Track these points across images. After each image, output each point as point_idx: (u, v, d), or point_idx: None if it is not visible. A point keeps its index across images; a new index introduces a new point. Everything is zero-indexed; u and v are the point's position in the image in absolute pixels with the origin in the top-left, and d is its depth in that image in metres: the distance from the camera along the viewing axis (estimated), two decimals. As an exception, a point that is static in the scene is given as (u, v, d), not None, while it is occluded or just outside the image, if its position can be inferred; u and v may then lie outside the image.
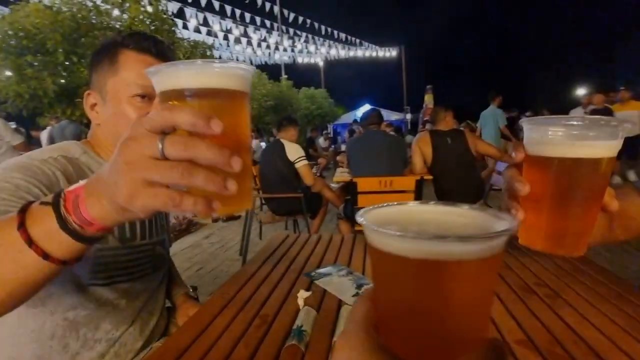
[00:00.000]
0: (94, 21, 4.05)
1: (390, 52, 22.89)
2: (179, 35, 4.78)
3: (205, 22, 12.81)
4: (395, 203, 0.30)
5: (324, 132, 15.27)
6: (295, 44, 18.13)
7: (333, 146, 11.98)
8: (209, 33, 13.13)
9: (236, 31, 14.58)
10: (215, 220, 4.95)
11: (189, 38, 5.20)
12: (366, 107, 22.25)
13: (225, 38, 14.46)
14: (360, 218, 0.26)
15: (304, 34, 17.83)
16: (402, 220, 0.29)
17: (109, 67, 0.76)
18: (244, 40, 15.28)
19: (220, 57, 15.08)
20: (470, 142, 2.90)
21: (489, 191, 3.02)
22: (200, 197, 0.33)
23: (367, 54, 22.39)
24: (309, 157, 4.70)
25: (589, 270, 0.78)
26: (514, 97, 5.97)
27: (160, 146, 0.31)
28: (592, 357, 0.49)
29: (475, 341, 0.24)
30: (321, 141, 11.85)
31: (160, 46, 0.79)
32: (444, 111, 3.05)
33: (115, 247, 0.79)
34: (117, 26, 4.09)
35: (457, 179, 2.90)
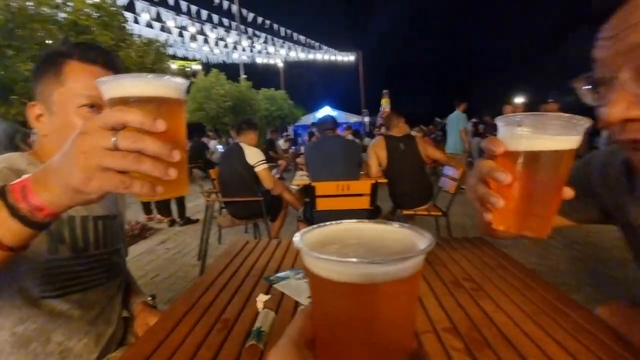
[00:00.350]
0: (31, 12, 3.72)
1: (349, 57, 23.46)
2: (130, 31, 4.53)
3: (159, 18, 12.20)
4: (334, 222, 0.32)
5: (284, 133, 15.24)
6: (255, 44, 17.88)
7: (293, 148, 12.00)
8: (162, 29, 12.52)
9: (192, 28, 14.07)
10: (171, 225, 4.77)
11: (140, 34, 4.94)
12: (326, 109, 22.56)
13: (180, 35, 13.88)
14: (296, 238, 0.27)
15: (263, 35, 17.67)
16: (340, 240, 0.30)
17: (55, 78, 0.76)
18: (200, 38, 14.77)
19: (175, 55, 14.44)
20: (421, 147, 3.12)
21: (438, 193, 3.26)
22: (146, 182, 0.40)
23: (326, 57, 22.74)
24: (269, 158, 4.69)
25: (508, 265, 0.92)
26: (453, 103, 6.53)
27: (113, 139, 0.38)
28: (501, 338, 0.61)
29: (401, 352, 0.26)
30: (281, 143, 11.81)
31: (107, 56, 0.80)
32: (396, 118, 3.24)
33: (67, 257, 0.78)
34: (60, 18, 3.80)
35: (410, 182, 3.10)
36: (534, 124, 0.41)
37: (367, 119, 21.06)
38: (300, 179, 3.42)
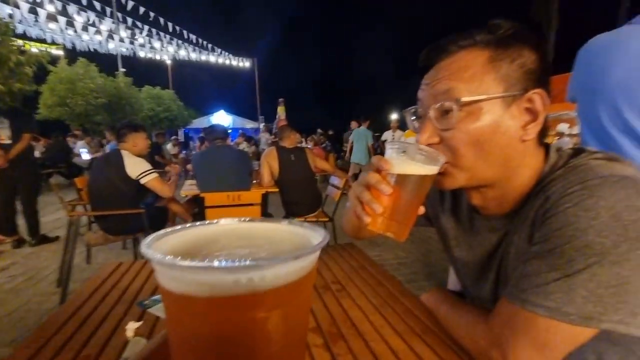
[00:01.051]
0: None
1: (244, 63, 23.16)
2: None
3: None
4: (207, 222, 0.27)
5: (173, 137, 14.00)
6: (136, 36, 15.83)
7: (184, 152, 11.13)
8: (5, 1, 10.01)
9: (50, 7, 11.62)
10: (17, 246, 3.86)
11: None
12: (221, 114, 21.73)
13: (33, 12, 11.34)
14: (145, 243, 0.21)
15: (146, 27, 15.79)
16: (210, 245, 0.25)
17: None
18: (62, 19, 12.32)
19: (24, 33, 11.71)
20: (310, 159, 3.34)
21: (325, 200, 3.54)
22: None
23: (221, 60, 21.91)
24: (155, 164, 4.25)
25: (367, 266, 1.10)
26: (348, 117, 7.40)
27: None
28: (353, 330, 0.74)
29: None
30: (169, 147, 10.83)
31: None
32: (289, 130, 3.42)
33: None
34: None
35: (300, 191, 3.29)
36: (412, 153, 0.55)
37: (263, 125, 21.13)
38: (190, 188, 3.25)
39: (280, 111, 13.95)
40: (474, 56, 0.57)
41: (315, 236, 0.24)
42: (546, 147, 0.63)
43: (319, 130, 12.38)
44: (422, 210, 0.58)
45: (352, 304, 0.85)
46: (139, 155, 2.75)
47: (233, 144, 9.03)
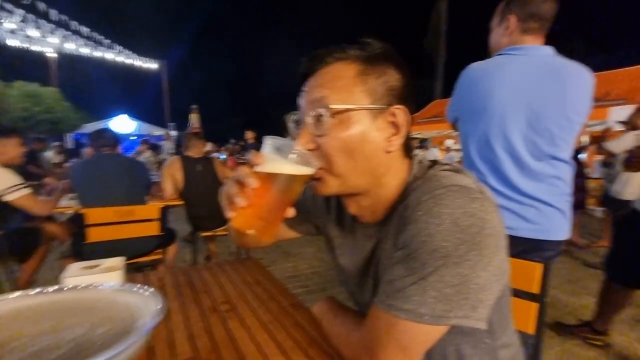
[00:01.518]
0: None
1: (152, 65, 21.23)
2: None
3: None
4: None
5: (54, 143, 11.91)
6: (3, 19, 12.77)
7: (72, 161, 9.53)
8: None
9: None
10: None
11: None
12: (123, 118, 19.46)
13: None
14: None
15: (19, 11, 12.92)
16: None
17: None
18: None
19: None
20: (219, 169, 3.18)
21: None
22: None
23: (123, 59, 19.64)
24: (29, 175, 3.50)
25: (263, 280, 1.05)
26: (261, 124, 7.37)
27: None
28: (234, 353, 0.68)
29: None
30: (50, 155, 9.17)
31: None
32: (195, 139, 3.20)
33: None
34: None
35: (207, 203, 3.08)
36: (286, 152, 0.53)
37: (174, 133, 19.60)
38: (68, 203, 2.76)
39: (194, 119, 13.14)
40: (346, 68, 0.60)
41: (146, 310, 0.18)
42: (411, 160, 0.69)
43: (232, 140, 12.09)
44: (291, 212, 0.57)
45: (239, 325, 0.79)
46: (7, 166, 2.24)
47: (134, 153, 8.09)
